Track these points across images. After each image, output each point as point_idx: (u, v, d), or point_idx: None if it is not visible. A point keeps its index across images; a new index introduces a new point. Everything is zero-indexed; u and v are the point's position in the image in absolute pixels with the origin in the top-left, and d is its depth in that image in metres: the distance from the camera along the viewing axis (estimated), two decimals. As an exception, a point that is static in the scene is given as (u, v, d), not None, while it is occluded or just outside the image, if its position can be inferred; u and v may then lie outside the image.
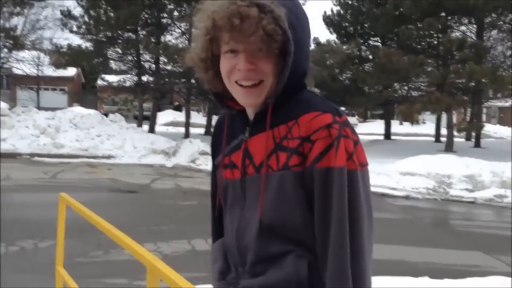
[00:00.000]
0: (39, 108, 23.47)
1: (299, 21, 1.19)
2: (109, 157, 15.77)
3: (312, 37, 1.23)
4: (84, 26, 22.44)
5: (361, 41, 25.36)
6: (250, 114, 1.27)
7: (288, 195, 1.15)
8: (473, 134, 24.98)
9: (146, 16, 22.98)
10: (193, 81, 23.70)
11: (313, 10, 12.61)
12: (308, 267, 1.15)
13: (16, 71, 31.86)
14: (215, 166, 1.40)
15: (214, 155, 1.42)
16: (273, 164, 1.18)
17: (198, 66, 1.27)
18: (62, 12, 23.38)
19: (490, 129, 35.75)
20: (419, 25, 20.92)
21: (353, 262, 1.09)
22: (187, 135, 22.58)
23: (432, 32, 21.15)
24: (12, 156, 14.49)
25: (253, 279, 1.21)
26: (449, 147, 20.83)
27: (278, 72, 1.17)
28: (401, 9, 21.21)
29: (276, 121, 1.20)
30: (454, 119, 23.60)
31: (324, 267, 1.12)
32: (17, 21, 27.67)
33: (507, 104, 37.75)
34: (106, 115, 20.06)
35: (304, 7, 1.26)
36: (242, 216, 1.24)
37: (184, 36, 23.53)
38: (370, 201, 1.16)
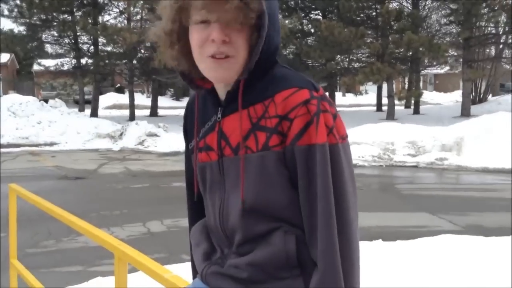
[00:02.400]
0: (-29, 97, 22.26)
1: None
2: (51, 144, 15.25)
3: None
4: (16, 9, 21.33)
5: (303, 15, 25.49)
6: (222, 93, 1.21)
7: (271, 176, 1.13)
8: (412, 101, 25.89)
9: (81, -4, 22.10)
10: (135, 61, 23.16)
11: (254, -15, 12.44)
12: (296, 242, 1.14)
13: None
14: (189, 151, 1.34)
15: (187, 139, 1.36)
16: (252, 145, 1.14)
17: (163, 40, 1.19)
18: (-11, -5, 22.11)
19: (427, 96, 37.10)
20: (357, -4, 21.27)
21: (341, 236, 1.09)
22: (132, 117, 22.13)
23: (370, 3, 21.57)
24: None
25: (241, 257, 1.19)
26: (391, 115, 21.53)
27: (251, 46, 1.13)
28: (340, -18, 21.46)
29: (251, 99, 1.15)
30: (394, 88, 24.33)
31: (312, 244, 1.12)
32: None
33: (441, 71, 39.29)
34: (46, 101, 19.30)
35: None
36: (224, 198, 1.21)
37: (123, 16, 22.84)
38: (353, 172, 1.16)
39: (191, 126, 1.32)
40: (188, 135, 1.35)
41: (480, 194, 8.26)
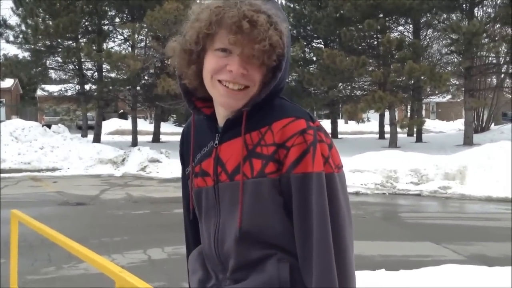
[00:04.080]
0: (-25, 122, 22.38)
1: (289, 39, 1.19)
2: (53, 169, 15.25)
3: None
4: (21, 36, 21.61)
5: (305, 43, 25.79)
6: (221, 119, 1.24)
7: (265, 202, 1.15)
8: (415, 129, 25.94)
9: (86, 23, 22.41)
10: (138, 88, 23.34)
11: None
12: (290, 270, 1.15)
13: None
14: (185, 176, 1.36)
15: (184, 164, 1.37)
16: (247, 171, 1.16)
17: (180, 58, 1.21)
18: (-4, 22, 22.46)
19: (430, 124, 37.20)
20: (359, 26, 21.54)
21: (338, 263, 1.10)
22: (134, 143, 22.17)
23: (372, 33, 21.83)
24: (-52, 173, 13.73)
25: (235, 285, 1.19)
26: (393, 143, 21.53)
27: (263, 82, 1.17)
28: (342, 12, 21.76)
29: (248, 127, 1.18)
30: (396, 116, 24.41)
31: (307, 271, 1.12)
32: None
33: (443, 100, 39.47)
34: (49, 126, 19.37)
35: None
36: (219, 224, 1.22)
37: (128, 43, 23.13)
38: (348, 202, 1.17)
39: (187, 151, 1.33)
40: (184, 160, 1.37)
41: (483, 223, 8.19)
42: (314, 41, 28.04)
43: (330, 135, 1.24)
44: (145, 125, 34.88)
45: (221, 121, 1.24)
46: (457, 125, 38.74)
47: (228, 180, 1.19)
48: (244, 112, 1.18)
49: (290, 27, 1.24)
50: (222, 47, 1.14)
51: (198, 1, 1.19)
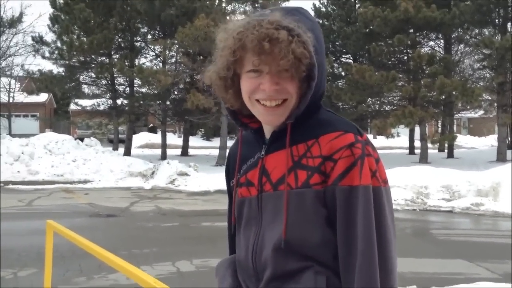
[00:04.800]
0: (11, 135, 23.03)
1: (320, 43, 1.22)
2: (85, 181, 15.52)
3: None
4: (56, 52, 22.26)
5: (334, 58, 25.77)
6: (267, 132, 1.27)
7: (308, 213, 1.16)
8: (446, 145, 25.47)
9: (119, 40, 22.94)
10: (168, 102, 23.67)
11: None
12: (327, 283, 1.15)
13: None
14: (230, 188, 1.39)
15: (228, 179, 1.41)
16: (292, 182, 1.18)
17: (217, 85, 1.26)
18: (33, 38, 23.20)
19: (461, 139, 36.48)
20: (389, 41, 21.41)
21: (382, 276, 1.10)
22: (163, 156, 22.42)
23: (402, 48, 21.65)
24: (-15, 185, 14.14)
25: None
26: (424, 159, 21.18)
27: (301, 94, 1.19)
28: (371, 27, 21.68)
29: (294, 139, 1.21)
30: (427, 131, 24.04)
31: (349, 284, 1.12)
32: (-14, 48, 27.33)
33: (475, 115, 38.70)
34: (81, 139, 19.79)
35: None
36: (259, 234, 1.23)
37: (159, 59, 23.54)
38: (393, 216, 1.18)
39: (233, 166, 1.36)
40: (230, 175, 1.40)
41: (518, 241, 7.95)
42: (343, 56, 27.98)
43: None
44: (174, 139, 35.27)
45: (268, 134, 1.27)
46: (490, 141, 37.88)
47: (272, 190, 1.21)
48: (288, 125, 1.21)
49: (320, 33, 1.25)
50: (252, 68, 1.18)
51: (225, 24, 1.22)
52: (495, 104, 23.10)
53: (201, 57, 19.69)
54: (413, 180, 12.58)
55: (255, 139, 1.30)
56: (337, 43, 27.31)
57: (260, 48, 1.13)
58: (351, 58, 27.42)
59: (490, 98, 24.20)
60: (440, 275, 5.68)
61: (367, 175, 1.13)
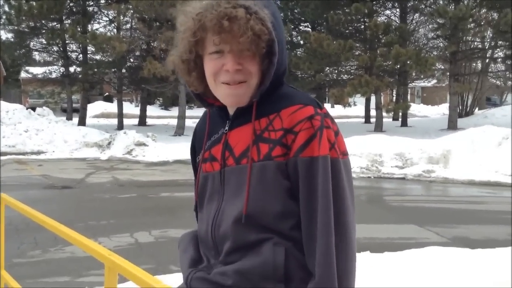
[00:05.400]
0: (-43, 104, 22.03)
1: (277, 20, 1.23)
2: (38, 152, 15.12)
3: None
4: (4, 16, 21.25)
5: (292, 27, 25.70)
6: (232, 109, 1.29)
7: (269, 185, 1.18)
8: (400, 114, 26.13)
9: (71, 4, 22.06)
10: (124, 70, 23.13)
11: (245, -4, 12.53)
12: (285, 254, 1.18)
13: None
14: (196, 164, 1.40)
15: (194, 155, 1.42)
16: (254, 155, 1.20)
17: (180, 69, 1.27)
18: (-22, 2, 22.01)
19: (415, 108, 37.44)
20: (346, 10, 21.49)
21: (339, 247, 1.15)
22: (120, 126, 22.04)
23: (359, 17, 21.79)
24: None
25: (229, 265, 1.21)
26: (379, 127, 21.68)
27: (262, 71, 1.21)
28: (329, -5, 21.69)
29: (257, 114, 1.23)
30: (382, 100, 24.54)
31: (310, 253, 1.16)
32: None
33: (429, 85, 39.73)
34: (33, 109, 19.14)
35: None
36: (220, 208, 1.25)
37: (113, 24, 22.84)
38: (352, 188, 1.22)
39: (199, 142, 1.38)
40: (196, 151, 1.41)
41: (466, 206, 8.33)
42: (302, 24, 27.94)
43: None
44: (131, 108, 34.63)
45: (231, 111, 1.29)
46: (442, 110, 39.08)
47: (235, 164, 1.23)
48: (254, 102, 1.23)
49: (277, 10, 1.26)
50: (214, 49, 1.20)
51: (184, 7, 1.23)
52: (448, 73, 23.75)
53: (158, 23, 19.22)
54: (368, 148, 12.87)
55: (219, 115, 1.32)
56: (296, 11, 27.19)
57: (220, 27, 1.15)
58: (309, 26, 27.42)
59: (443, 67, 24.85)
60: (393, 240, 5.90)
61: (326, 146, 1.16)
